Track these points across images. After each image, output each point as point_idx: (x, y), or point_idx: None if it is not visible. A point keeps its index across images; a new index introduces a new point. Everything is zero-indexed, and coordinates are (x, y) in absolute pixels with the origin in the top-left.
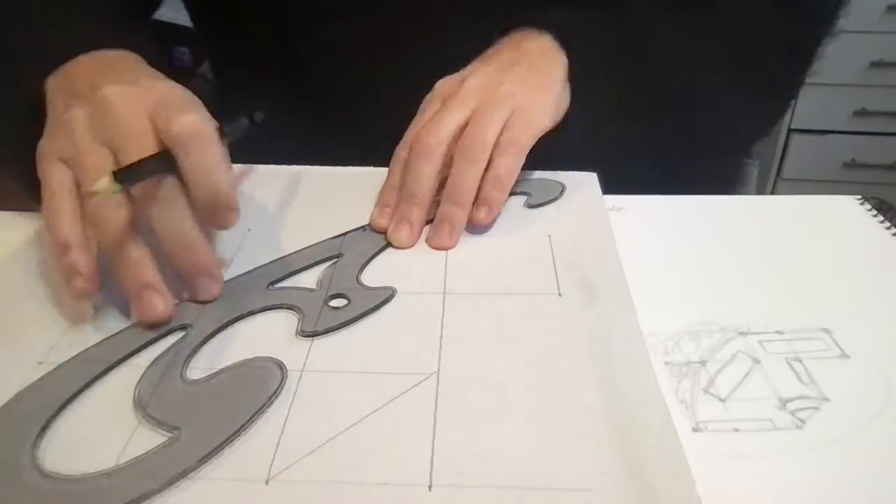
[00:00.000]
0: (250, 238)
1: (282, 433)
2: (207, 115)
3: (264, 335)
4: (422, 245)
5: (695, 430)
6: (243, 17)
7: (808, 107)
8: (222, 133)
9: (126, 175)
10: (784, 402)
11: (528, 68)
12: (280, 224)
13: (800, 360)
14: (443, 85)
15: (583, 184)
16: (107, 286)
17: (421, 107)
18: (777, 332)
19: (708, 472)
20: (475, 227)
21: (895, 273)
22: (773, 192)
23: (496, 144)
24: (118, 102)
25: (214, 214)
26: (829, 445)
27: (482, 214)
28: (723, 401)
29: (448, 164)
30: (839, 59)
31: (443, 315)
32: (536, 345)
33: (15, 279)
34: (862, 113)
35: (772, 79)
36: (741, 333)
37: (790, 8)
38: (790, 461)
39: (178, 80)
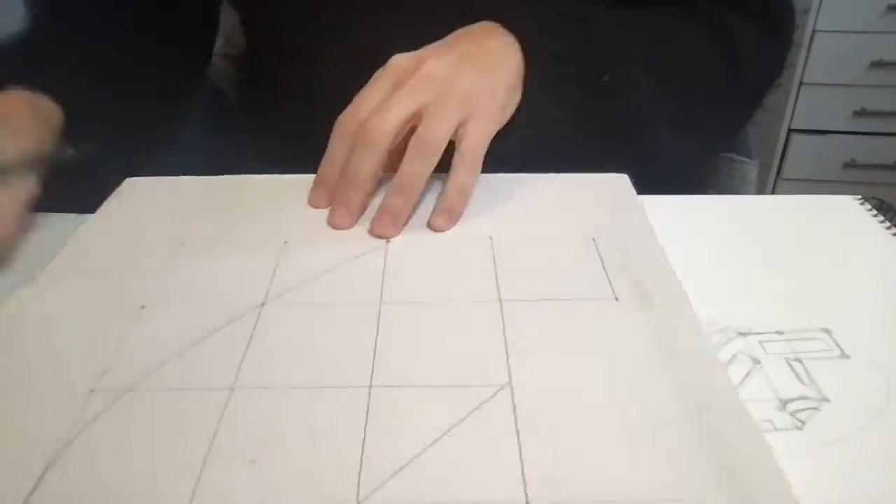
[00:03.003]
0: (287, 251)
1: (362, 453)
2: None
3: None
4: (467, 253)
5: None
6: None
7: (808, 107)
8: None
9: None
10: (784, 403)
11: (484, 66)
12: (318, 234)
13: (800, 361)
14: (399, 61)
15: (615, 185)
16: (151, 305)
17: (374, 77)
18: (777, 332)
19: None
20: (432, 230)
21: (895, 273)
22: (773, 192)
23: (458, 152)
24: None
25: None
26: (829, 446)
27: (442, 220)
28: None
29: (394, 151)
30: (839, 59)
31: (503, 323)
32: (604, 351)
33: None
34: (862, 113)
35: (706, 128)
36: (741, 334)
37: (737, 64)
38: (790, 461)
39: None
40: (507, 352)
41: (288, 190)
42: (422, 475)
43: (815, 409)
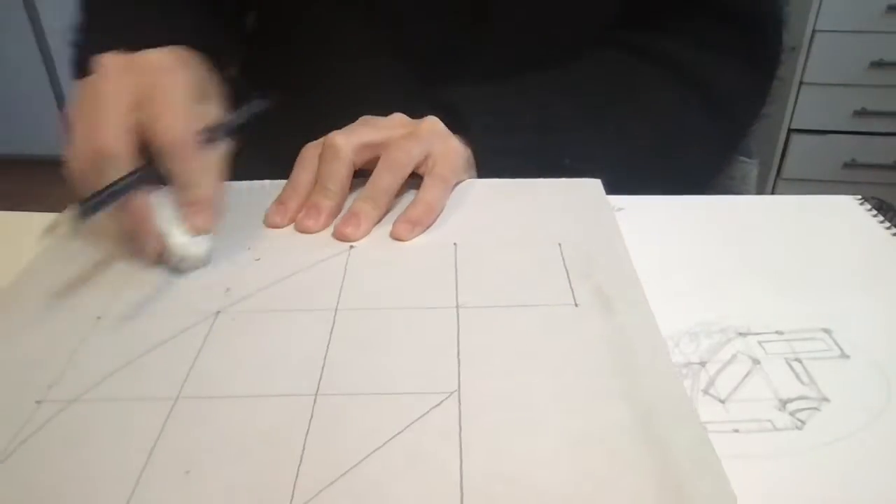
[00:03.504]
0: (249, 257)
1: (300, 462)
2: (190, 112)
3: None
4: (430, 259)
5: None
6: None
7: (808, 107)
8: (229, 126)
9: (88, 210)
10: (784, 403)
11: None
12: (281, 241)
13: (800, 361)
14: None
15: (587, 190)
16: (107, 315)
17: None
18: (777, 332)
19: None
20: (394, 239)
21: (895, 273)
22: (773, 192)
23: (428, 174)
24: (108, 73)
25: (191, 217)
26: (829, 445)
27: (403, 229)
28: (723, 402)
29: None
30: (839, 59)
31: (458, 330)
32: (558, 358)
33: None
34: (862, 113)
35: (688, 171)
36: (741, 334)
37: (715, 110)
38: (790, 461)
39: None
40: (458, 359)
41: (255, 196)
42: (357, 486)
43: (815, 408)
